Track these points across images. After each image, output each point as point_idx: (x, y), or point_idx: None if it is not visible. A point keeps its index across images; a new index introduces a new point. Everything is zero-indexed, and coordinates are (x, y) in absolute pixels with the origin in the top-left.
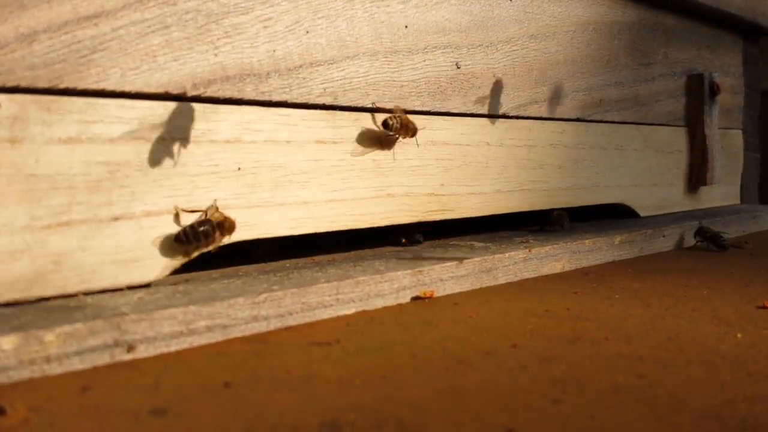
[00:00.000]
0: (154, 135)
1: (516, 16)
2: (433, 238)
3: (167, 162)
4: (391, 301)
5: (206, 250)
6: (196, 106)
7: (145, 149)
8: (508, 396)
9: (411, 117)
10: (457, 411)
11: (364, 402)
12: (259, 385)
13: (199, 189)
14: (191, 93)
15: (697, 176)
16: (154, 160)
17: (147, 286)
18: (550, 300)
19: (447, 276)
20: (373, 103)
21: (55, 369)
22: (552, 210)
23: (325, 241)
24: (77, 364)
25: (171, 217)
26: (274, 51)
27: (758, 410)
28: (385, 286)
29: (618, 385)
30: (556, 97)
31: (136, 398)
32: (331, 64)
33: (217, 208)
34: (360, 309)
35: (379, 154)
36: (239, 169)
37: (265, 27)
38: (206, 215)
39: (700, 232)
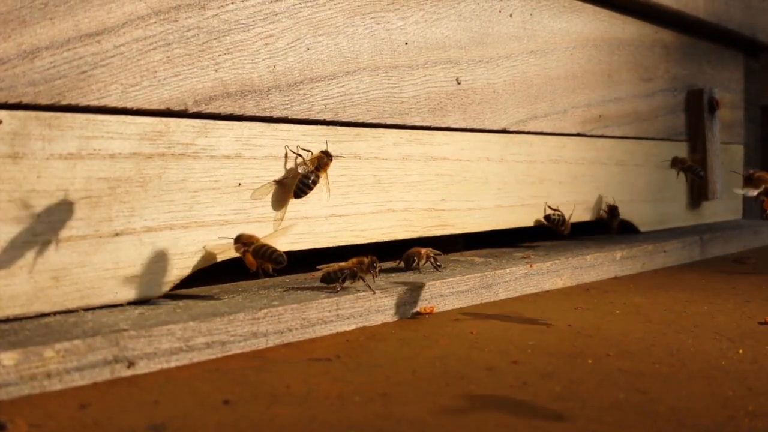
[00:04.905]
0: (155, 151)
1: (516, 32)
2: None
3: (167, 178)
4: (391, 316)
5: None
6: (197, 122)
7: (145, 165)
8: (509, 412)
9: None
10: (457, 428)
11: (365, 419)
12: (258, 402)
13: (199, 204)
14: (192, 109)
15: (698, 191)
16: (155, 176)
17: (147, 301)
18: (551, 316)
19: (447, 291)
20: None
21: (56, 385)
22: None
23: (325, 257)
24: (77, 380)
25: (171, 233)
26: (274, 67)
27: (760, 426)
28: (385, 302)
29: (619, 401)
30: (556, 112)
31: (135, 415)
32: (332, 80)
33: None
34: (360, 325)
35: (379, 170)
36: (240, 184)
37: (266, 44)
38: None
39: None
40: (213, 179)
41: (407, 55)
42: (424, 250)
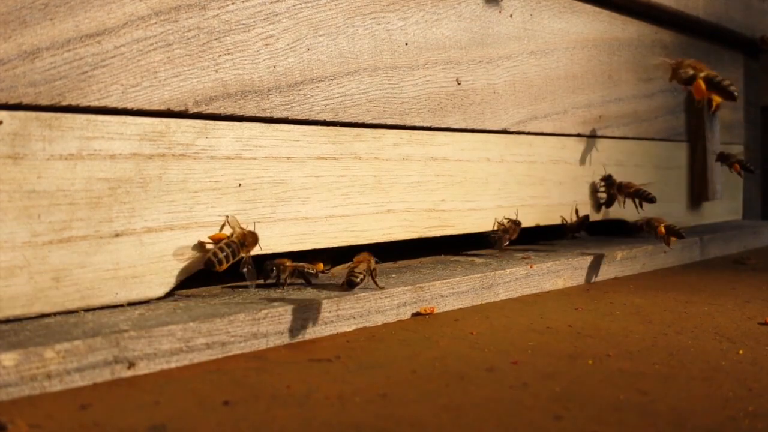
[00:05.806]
0: (155, 151)
1: (516, 32)
2: (433, 254)
3: (168, 178)
4: (391, 317)
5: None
6: (197, 122)
7: (145, 166)
8: (508, 413)
9: None
10: (457, 428)
11: (365, 419)
12: (258, 403)
13: (200, 205)
14: (192, 110)
15: (698, 192)
16: (155, 176)
17: (147, 302)
18: (551, 316)
19: (447, 292)
20: None
21: (56, 386)
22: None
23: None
24: (78, 381)
25: (171, 234)
26: (275, 67)
27: (760, 427)
28: (386, 302)
29: (619, 401)
30: (556, 112)
31: (136, 415)
32: (332, 80)
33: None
34: (360, 325)
35: (380, 170)
36: (240, 185)
37: (266, 44)
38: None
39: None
40: (213, 180)
41: (407, 56)
42: (288, 263)
